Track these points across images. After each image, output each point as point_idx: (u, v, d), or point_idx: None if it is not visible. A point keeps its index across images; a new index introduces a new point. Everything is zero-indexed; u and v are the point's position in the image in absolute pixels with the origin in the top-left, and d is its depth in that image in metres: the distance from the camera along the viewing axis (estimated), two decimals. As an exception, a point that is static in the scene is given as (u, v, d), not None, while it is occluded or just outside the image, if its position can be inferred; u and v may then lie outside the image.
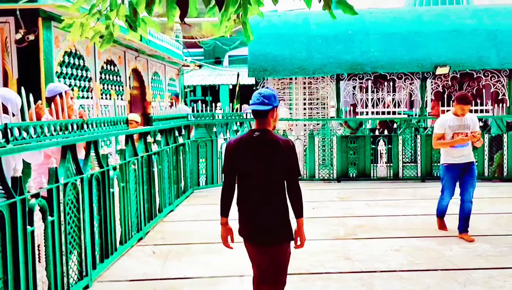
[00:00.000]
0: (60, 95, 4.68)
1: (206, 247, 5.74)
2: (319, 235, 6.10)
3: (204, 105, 10.14)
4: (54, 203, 3.88)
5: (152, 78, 14.46)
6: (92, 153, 4.75)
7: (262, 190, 3.15)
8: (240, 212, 3.27)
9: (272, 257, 3.16)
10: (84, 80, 9.85)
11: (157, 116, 7.34)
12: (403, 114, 10.68)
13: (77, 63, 9.49)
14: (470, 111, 10.57)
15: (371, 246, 5.65)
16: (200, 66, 21.24)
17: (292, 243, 3.23)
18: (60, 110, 4.16)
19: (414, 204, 7.95)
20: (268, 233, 3.14)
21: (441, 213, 6.26)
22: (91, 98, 10.06)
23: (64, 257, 4.03)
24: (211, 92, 25.47)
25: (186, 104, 13.73)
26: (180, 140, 8.48)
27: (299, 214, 3.20)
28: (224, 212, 3.29)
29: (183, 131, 8.74)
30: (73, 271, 4.27)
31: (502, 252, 5.28)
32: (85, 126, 4.54)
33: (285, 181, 3.17)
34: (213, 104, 16.58)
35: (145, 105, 13.54)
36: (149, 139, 6.63)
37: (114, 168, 5.29)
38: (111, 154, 6.32)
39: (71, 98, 4.68)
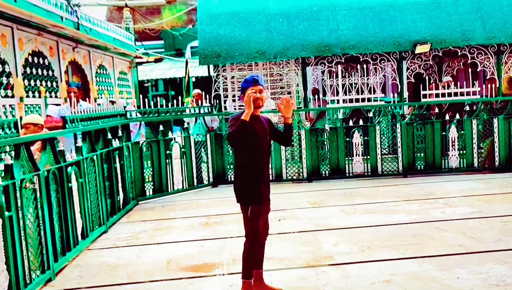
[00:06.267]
0: None
1: (134, 289, 4.28)
2: (285, 262, 4.69)
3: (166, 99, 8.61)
4: None
5: (97, 72, 12.78)
6: None
7: None
8: None
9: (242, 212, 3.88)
10: (1, 76, 8.20)
11: (76, 116, 5.79)
12: (379, 100, 9.35)
13: (-13, 55, 7.83)
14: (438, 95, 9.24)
15: (353, 276, 4.28)
16: (159, 60, 19.60)
17: None
18: None
19: (399, 208, 6.64)
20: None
21: None
22: (12, 96, 8.42)
23: None
24: (174, 86, 23.92)
25: (148, 99, 12.33)
26: (116, 143, 6.96)
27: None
28: None
29: (119, 132, 7.21)
30: None
31: (525, 277, 3.98)
32: None
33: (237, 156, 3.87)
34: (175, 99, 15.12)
35: (89, 102, 11.79)
36: (61, 146, 5.11)
37: (-7, 193, 3.76)
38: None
39: None
